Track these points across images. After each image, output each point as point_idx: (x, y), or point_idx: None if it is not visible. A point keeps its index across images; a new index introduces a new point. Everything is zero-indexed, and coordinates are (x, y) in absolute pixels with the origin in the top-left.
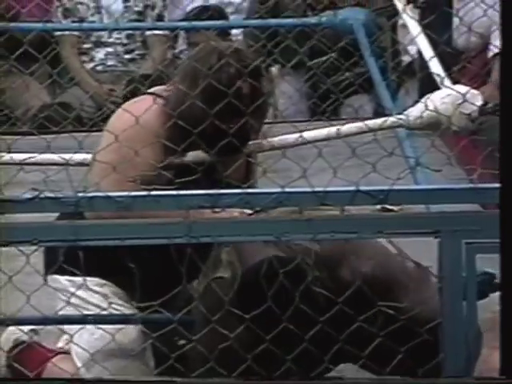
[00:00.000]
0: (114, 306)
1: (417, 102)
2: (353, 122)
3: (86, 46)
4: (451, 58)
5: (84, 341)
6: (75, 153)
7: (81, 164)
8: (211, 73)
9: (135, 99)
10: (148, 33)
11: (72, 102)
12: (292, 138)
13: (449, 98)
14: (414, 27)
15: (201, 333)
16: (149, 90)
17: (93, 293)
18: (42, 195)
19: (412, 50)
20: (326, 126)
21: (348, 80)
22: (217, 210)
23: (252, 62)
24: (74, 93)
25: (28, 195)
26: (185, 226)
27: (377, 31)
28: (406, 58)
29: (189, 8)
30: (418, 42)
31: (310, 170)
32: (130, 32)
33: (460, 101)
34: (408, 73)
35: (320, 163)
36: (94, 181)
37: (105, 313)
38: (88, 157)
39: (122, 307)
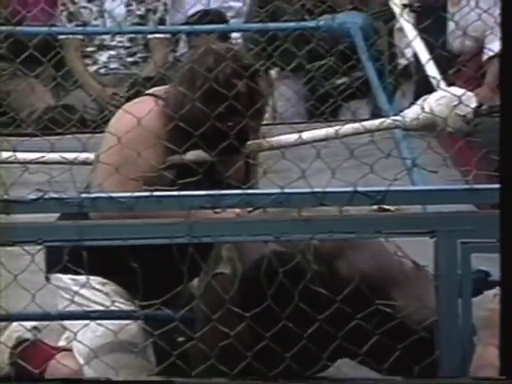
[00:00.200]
0: (116, 304)
1: (413, 104)
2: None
3: (89, 49)
4: (446, 61)
5: (86, 338)
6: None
7: (84, 163)
8: (208, 73)
9: (135, 100)
10: (150, 36)
11: (76, 105)
12: (291, 138)
13: (444, 100)
14: (411, 31)
15: (202, 329)
16: (148, 91)
17: (95, 291)
18: (46, 196)
19: (408, 53)
20: (324, 128)
21: (345, 84)
22: (217, 210)
23: (248, 62)
24: (78, 95)
25: (32, 196)
26: (186, 226)
27: (374, 35)
28: (402, 61)
29: (190, 12)
30: (414, 45)
31: (309, 170)
32: (133, 35)
33: (455, 103)
34: (404, 75)
35: (319, 164)
36: (97, 182)
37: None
38: (91, 156)
39: (123, 305)
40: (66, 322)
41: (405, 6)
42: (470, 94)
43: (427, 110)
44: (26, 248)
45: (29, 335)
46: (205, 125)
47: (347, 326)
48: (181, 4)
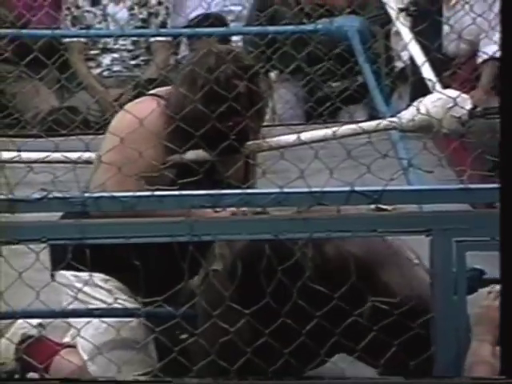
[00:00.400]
0: (118, 301)
1: (409, 105)
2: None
3: (93, 52)
4: (442, 64)
5: (89, 335)
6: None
7: (87, 162)
8: (209, 73)
9: (136, 100)
10: (152, 39)
11: (79, 106)
12: (290, 138)
13: (440, 101)
14: (407, 34)
15: (202, 325)
16: (150, 92)
17: (98, 288)
18: (50, 195)
19: (405, 56)
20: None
21: (343, 87)
22: (217, 209)
23: (249, 63)
24: (82, 97)
25: (37, 195)
26: (187, 224)
27: (371, 38)
28: (398, 64)
29: (191, 16)
30: (410, 48)
31: (308, 171)
32: (135, 39)
33: (450, 105)
34: (401, 78)
35: (317, 164)
36: (99, 181)
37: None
38: (93, 155)
39: (126, 302)
40: (70, 319)
41: (401, 9)
42: (464, 96)
43: (423, 111)
44: (31, 246)
45: (34, 332)
46: (205, 125)
47: (341, 314)
48: (182, 8)
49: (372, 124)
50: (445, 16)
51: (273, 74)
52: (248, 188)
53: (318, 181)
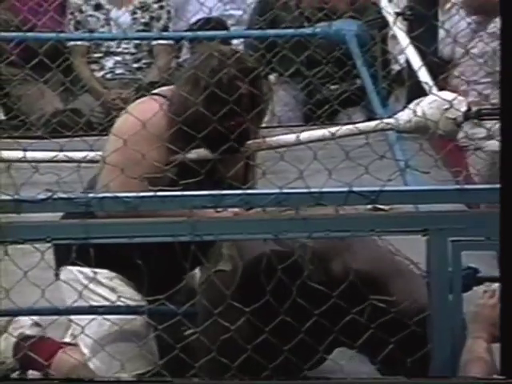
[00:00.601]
0: (122, 298)
1: (406, 107)
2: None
3: (96, 55)
4: (438, 67)
5: (93, 332)
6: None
7: (91, 161)
8: (212, 74)
9: (139, 101)
10: (154, 43)
11: (83, 109)
12: (289, 138)
13: (436, 103)
14: (403, 38)
15: (203, 323)
16: (153, 92)
17: (102, 285)
18: (55, 196)
19: (401, 59)
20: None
21: (341, 90)
22: (219, 209)
23: (251, 65)
24: (85, 100)
25: (42, 196)
26: (189, 224)
27: (368, 42)
28: (395, 67)
29: (192, 20)
30: (406, 52)
31: (307, 171)
32: (138, 42)
33: (446, 106)
34: (398, 81)
35: (316, 165)
36: (103, 181)
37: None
38: (96, 156)
39: (129, 300)
40: (74, 317)
41: (398, 14)
42: (460, 98)
43: (419, 113)
44: (36, 245)
45: (30, 331)
46: (207, 125)
47: (342, 318)
48: (183, 12)
49: (369, 125)
50: (440, 20)
51: (272, 77)
52: (248, 188)
53: (317, 181)
